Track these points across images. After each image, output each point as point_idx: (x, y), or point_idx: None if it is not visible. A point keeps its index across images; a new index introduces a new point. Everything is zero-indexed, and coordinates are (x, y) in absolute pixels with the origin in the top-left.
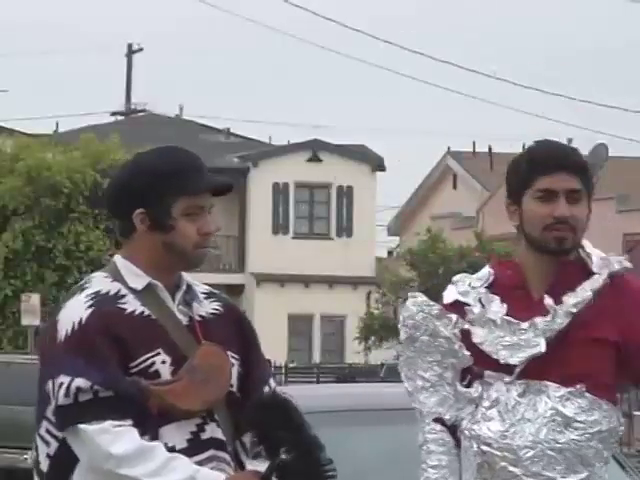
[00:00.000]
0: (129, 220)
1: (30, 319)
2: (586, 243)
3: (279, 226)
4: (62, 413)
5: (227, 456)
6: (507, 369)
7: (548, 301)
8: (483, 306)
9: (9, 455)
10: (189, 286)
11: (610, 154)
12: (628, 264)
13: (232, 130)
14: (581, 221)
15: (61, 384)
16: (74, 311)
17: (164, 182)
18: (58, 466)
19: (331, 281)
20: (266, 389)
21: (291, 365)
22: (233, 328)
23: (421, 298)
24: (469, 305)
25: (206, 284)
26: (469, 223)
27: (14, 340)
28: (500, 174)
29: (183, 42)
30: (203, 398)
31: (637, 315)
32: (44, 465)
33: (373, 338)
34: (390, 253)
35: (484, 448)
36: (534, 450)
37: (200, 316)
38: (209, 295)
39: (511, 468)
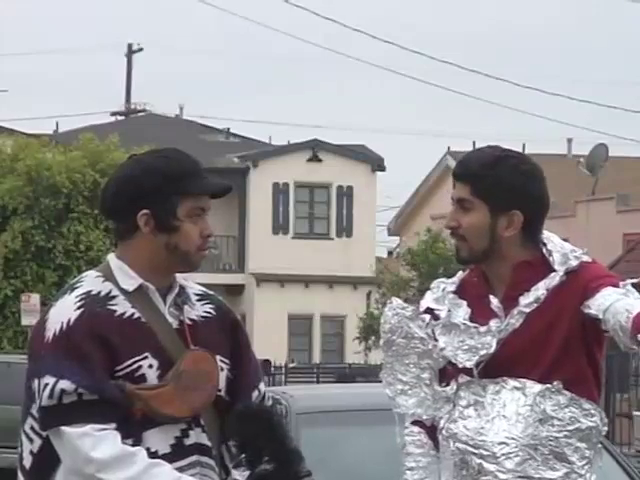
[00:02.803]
0: (131, 221)
1: (30, 319)
2: (550, 239)
3: (279, 226)
4: (45, 414)
5: (211, 461)
6: (470, 372)
7: (494, 302)
8: (449, 310)
9: (9, 455)
10: (182, 288)
11: (610, 154)
12: (586, 257)
13: (232, 130)
14: (470, 229)
15: (46, 385)
16: (63, 311)
17: (171, 183)
18: (41, 464)
19: (331, 281)
20: (255, 394)
21: (291, 365)
22: (224, 332)
23: (396, 302)
24: (440, 310)
25: (206, 284)
26: None
27: (14, 340)
28: None
29: (183, 42)
30: (189, 404)
31: (590, 283)
32: (27, 462)
33: (373, 338)
34: (390, 253)
35: (460, 446)
36: (509, 446)
37: (191, 319)
38: (203, 297)
39: (486, 465)
